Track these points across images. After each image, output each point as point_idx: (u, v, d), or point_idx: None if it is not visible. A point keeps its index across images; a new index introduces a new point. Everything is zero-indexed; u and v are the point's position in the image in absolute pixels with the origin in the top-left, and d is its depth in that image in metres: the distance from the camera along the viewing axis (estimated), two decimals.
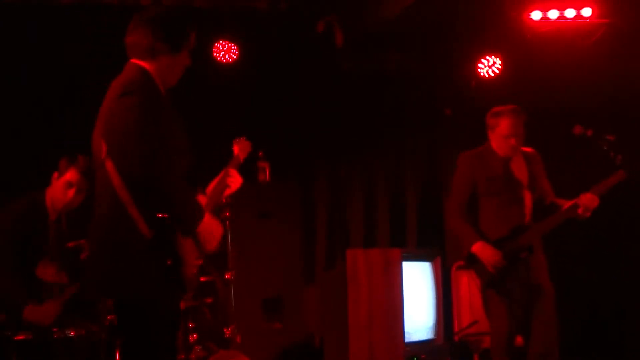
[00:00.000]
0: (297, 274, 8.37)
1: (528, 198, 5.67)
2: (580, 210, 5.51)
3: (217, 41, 7.61)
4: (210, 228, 3.64)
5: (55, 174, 5.41)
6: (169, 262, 3.50)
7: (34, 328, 4.99)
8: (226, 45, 7.65)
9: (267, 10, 7.61)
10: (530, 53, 7.91)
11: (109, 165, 3.57)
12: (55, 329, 5.01)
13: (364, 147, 8.62)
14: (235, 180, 4.87)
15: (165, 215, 3.49)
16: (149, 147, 3.44)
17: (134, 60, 3.78)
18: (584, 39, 7.71)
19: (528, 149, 5.83)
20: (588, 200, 5.48)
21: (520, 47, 7.90)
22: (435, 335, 7.65)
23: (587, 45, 7.71)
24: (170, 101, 3.77)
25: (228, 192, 4.85)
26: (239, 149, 5.17)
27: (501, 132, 5.63)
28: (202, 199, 3.84)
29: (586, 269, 8.02)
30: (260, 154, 5.73)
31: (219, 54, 7.62)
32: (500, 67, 8.21)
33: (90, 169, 5.30)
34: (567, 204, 5.57)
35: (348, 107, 8.41)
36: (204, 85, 7.05)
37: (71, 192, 5.37)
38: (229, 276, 6.20)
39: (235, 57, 7.66)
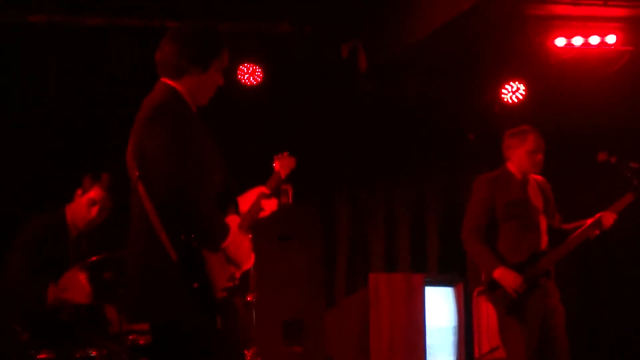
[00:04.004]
0: (317, 297, 8.32)
1: (544, 223, 5.67)
2: (597, 232, 5.53)
3: (242, 64, 7.65)
4: (237, 245, 3.61)
5: (79, 191, 5.38)
6: (195, 285, 3.48)
7: (58, 342, 4.98)
8: (251, 68, 7.69)
9: (292, 33, 7.65)
10: (554, 79, 7.91)
11: (141, 190, 3.56)
12: (77, 349, 5.01)
13: (385, 171, 8.62)
14: (270, 203, 4.78)
15: (190, 237, 3.47)
16: (177, 171, 3.42)
17: (163, 79, 3.73)
18: (608, 66, 7.70)
19: (538, 177, 5.82)
20: (609, 217, 5.49)
21: (544, 73, 7.91)
22: None
23: (611, 72, 7.70)
24: (200, 120, 3.73)
25: (262, 215, 4.74)
26: (281, 165, 5.00)
27: (528, 147, 5.64)
28: (235, 219, 3.80)
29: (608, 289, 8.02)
30: (284, 178, 5.67)
31: (244, 76, 7.67)
32: (523, 93, 8.21)
33: (114, 187, 5.33)
34: (587, 222, 5.56)
35: (370, 130, 8.41)
36: (228, 107, 7.08)
37: (95, 210, 5.34)
38: (250, 298, 6.19)
39: (259, 79, 7.70)
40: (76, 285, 5.10)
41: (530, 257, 5.52)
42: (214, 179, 3.69)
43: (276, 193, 4.85)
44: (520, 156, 5.66)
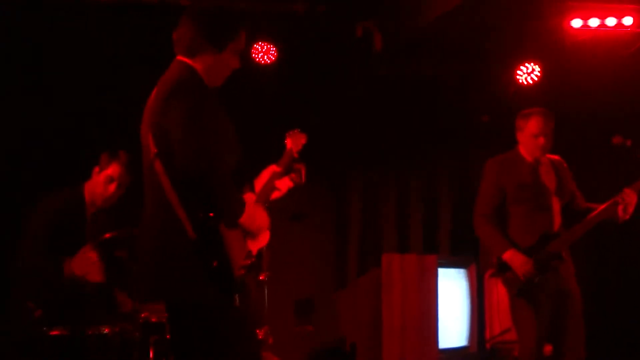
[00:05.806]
0: (329, 277, 8.36)
1: (556, 205, 5.64)
2: (621, 208, 5.44)
3: (256, 42, 7.63)
4: (252, 215, 3.61)
5: (96, 169, 5.43)
6: (214, 264, 3.47)
7: (71, 319, 5.00)
8: (265, 47, 7.67)
9: (306, 12, 7.61)
10: (569, 61, 7.86)
11: (158, 167, 3.54)
12: (90, 327, 5.03)
13: (398, 152, 8.60)
14: (284, 182, 4.76)
15: (208, 214, 3.46)
16: (198, 147, 3.41)
17: (180, 58, 3.73)
18: (624, 48, 7.65)
19: (554, 156, 5.79)
20: (630, 196, 5.42)
21: (559, 54, 7.85)
22: (468, 342, 7.61)
23: (628, 54, 7.65)
24: (217, 98, 3.73)
25: (277, 194, 4.72)
26: (292, 141, 4.97)
27: (530, 131, 5.61)
28: (250, 196, 3.79)
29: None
30: (296, 155, 5.65)
31: (258, 55, 7.65)
32: (539, 74, 8.16)
33: (131, 164, 5.35)
34: (604, 204, 5.52)
35: (384, 111, 8.39)
36: (242, 86, 7.06)
37: (112, 187, 5.39)
38: (262, 278, 6.19)
39: (273, 58, 7.68)
40: (89, 263, 5.13)
41: (540, 239, 5.50)
42: (231, 157, 3.68)
43: (289, 170, 4.83)
44: (525, 139, 5.65)
